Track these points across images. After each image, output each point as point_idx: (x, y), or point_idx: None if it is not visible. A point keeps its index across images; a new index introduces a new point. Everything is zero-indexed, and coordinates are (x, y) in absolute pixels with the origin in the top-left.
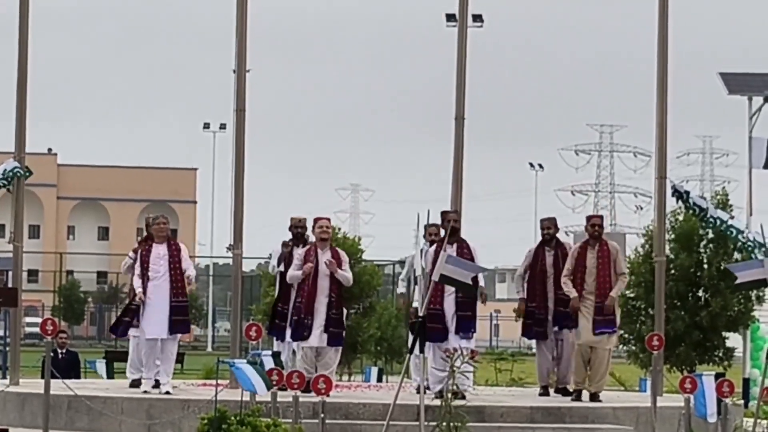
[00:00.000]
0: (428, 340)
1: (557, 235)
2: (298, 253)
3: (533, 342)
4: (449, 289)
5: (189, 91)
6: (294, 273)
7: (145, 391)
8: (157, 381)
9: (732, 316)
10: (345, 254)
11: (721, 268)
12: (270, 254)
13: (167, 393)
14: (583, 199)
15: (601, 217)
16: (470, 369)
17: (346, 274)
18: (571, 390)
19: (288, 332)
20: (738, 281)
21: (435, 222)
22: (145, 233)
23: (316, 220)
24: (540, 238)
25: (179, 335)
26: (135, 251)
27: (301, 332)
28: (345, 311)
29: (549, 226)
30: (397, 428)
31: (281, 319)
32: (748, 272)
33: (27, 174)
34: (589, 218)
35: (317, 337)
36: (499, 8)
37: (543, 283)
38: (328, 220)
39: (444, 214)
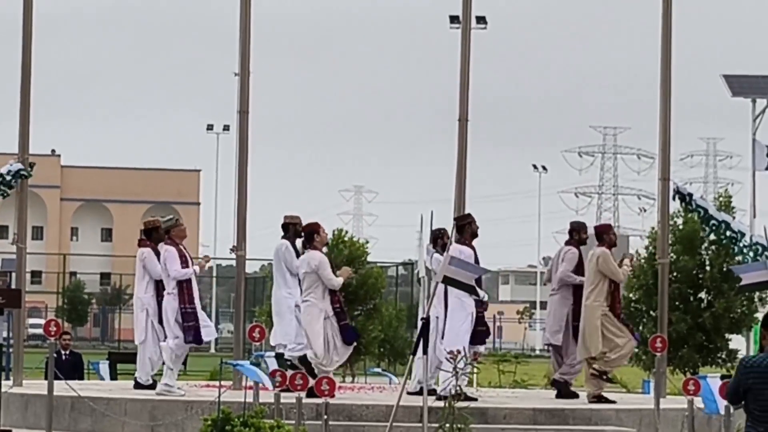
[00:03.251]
0: (471, 342)
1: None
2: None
3: (536, 344)
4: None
5: (192, 92)
6: (338, 280)
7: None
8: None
9: (735, 318)
10: None
11: (724, 269)
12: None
13: (183, 394)
14: (586, 201)
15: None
16: (466, 370)
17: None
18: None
19: None
20: (742, 283)
21: (441, 225)
22: (143, 234)
23: (317, 225)
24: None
25: None
26: (149, 246)
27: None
28: None
29: (582, 229)
30: (400, 429)
31: None
32: (752, 274)
33: (30, 173)
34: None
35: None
36: (502, 10)
37: None
38: None
39: (468, 216)
